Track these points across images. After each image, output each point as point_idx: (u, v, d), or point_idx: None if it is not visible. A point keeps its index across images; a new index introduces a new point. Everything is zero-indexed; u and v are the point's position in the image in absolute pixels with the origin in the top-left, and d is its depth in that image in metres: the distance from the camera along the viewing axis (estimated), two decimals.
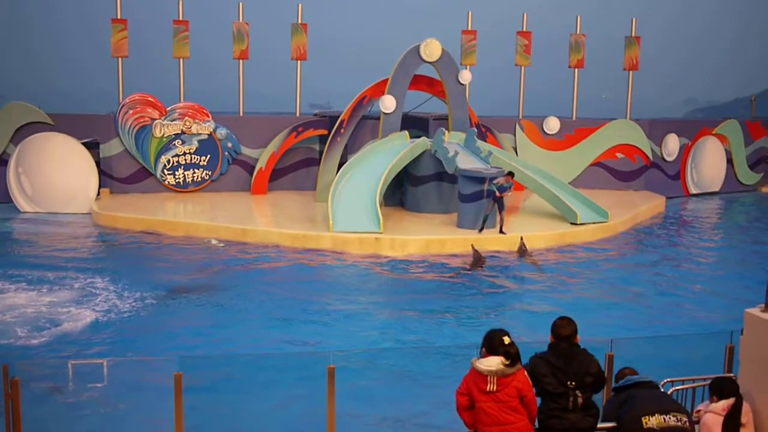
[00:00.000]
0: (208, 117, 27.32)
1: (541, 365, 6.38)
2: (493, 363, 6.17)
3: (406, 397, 11.62)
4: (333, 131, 26.76)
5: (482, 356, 6.31)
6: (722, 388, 6.89)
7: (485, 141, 27.03)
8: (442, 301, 16.60)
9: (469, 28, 29.53)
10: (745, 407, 6.88)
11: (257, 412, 10.93)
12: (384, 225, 21.11)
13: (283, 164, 28.15)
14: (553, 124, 30.20)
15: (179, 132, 26.92)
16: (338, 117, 27.01)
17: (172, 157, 26.96)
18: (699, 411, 7.04)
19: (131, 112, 26.51)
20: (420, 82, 27.22)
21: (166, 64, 28.21)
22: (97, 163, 25.96)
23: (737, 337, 7.53)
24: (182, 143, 26.99)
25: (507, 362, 6.16)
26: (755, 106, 37.02)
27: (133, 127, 26.52)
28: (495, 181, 21.32)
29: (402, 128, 26.00)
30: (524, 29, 30.25)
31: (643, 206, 27.04)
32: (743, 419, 6.83)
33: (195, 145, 27.14)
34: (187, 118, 26.93)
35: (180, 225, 22.53)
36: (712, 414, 6.79)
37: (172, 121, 26.80)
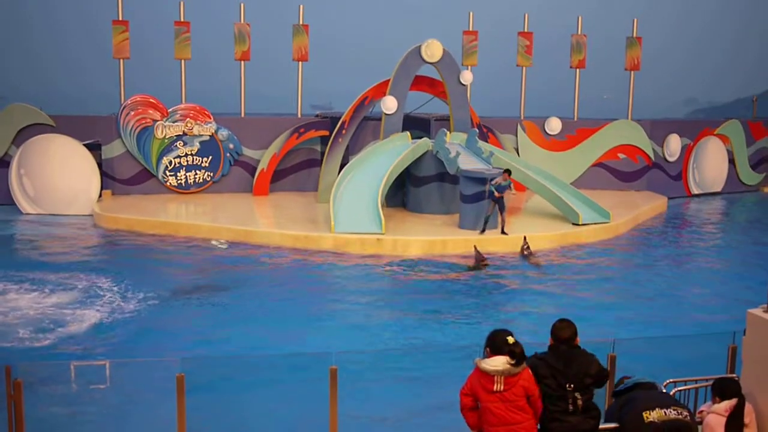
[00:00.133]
0: (210, 118, 27.34)
1: (540, 367, 6.37)
2: (499, 363, 6.16)
3: (408, 398, 11.61)
4: (334, 132, 26.76)
5: (486, 356, 6.30)
6: (724, 388, 6.88)
7: (487, 142, 27.02)
8: (444, 302, 16.60)
9: (471, 29, 29.52)
10: (748, 407, 6.87)
11: (259, 413, 10.94)
12: (386, 226, 21.11)
13: (284, 165, 28.16)
14: (554, 125, 30.19)
15: (181, 133, 26.93)
16: (340, 118, 27.01)
17: (174, 158, 26.98)
18: (702, 412, 7.03)
19: (133, 113, 26.52)
20: (421, 82, 27.22)
21: (168, 65, 28.22)
22: (99, 165, 25.97)
23: (740, 338, 7.52)
24: (184, 144, 27.00)
25: (513, 361, 6.16)
26: (757, 106, 36.98)
27: (135, 129, 26.54)
28: (493, 182, 21.30)
29: (403, 129, 26.01)
30: (525, 30, 30.24)
31: (644, 207, 27.03)
32: (746, 420, 6.82)
33: (197, 146, 27.16)
34: (188, 119, 26.94)
35: (182, 226, 22.55)
36: (715, 415, 6.77)
37: (173, 122, 26.81)
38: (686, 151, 31.98)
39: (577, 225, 22.75)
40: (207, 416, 10.10)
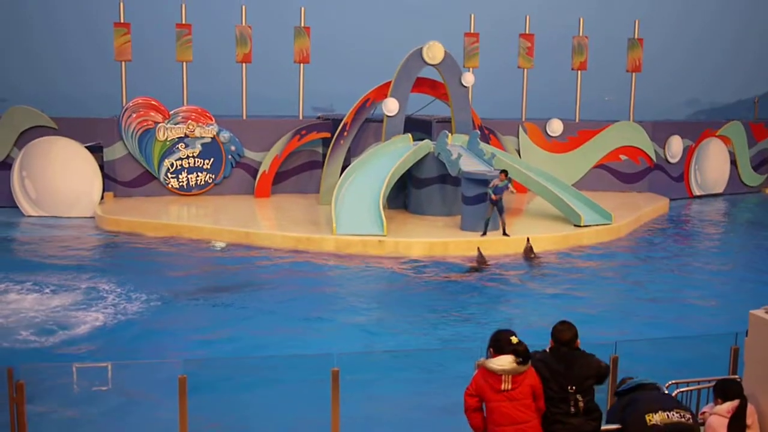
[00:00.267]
0: (212, 120, 27.35)
1: (541, 369, 6.37)
2: (506, 362, 6.17)
3: (410, 399, 11.61)
4: (336, 134, 26.78)
5: (490, 357, 6.30)
6: (726, 390, 6.88)
7: (488, 143, 27.03)
8: (446, 304, 16.61)
9: (472, 31, 29.53)
10: (750, 409, 6.87)
11: (261, 414, 10.95)
12: (387, 227, 21.11)
13: (286, 167, 28.17)
14: (556, 127, 30.18)
15: (182, 135, 26.95)
16: (341, 120, 27.02)
17: (176, 160, 26.99)
18: (704, 413, 7.03)
19: (134, 115, 26.55)
20: (423, 84, 27.22)
21: (169, 67, 28.25)
22: (101, 167, 25.98)
23: (742, 339, 7.52)
24: (185, 147, 27.02)
25: (519, 359, 6.17)
26: (758, 107, 36.96)
27: (137, 131, 26.56)
28: (490, 184, 21.25)
29: (405, 131, 26.01)
30: (527, 31, 30.24)
31: (646, 208, 27.02)
32: (748, 421, 6.82)
33: (198, 148, 27.18)
34: (190, 121, 26.96)
35: (184, 228, 22.57)
36: (717, 416, 6.78)
37: (175, 124, 26.83)
38: (688, 152, 31.97)
39: (579, 226, 22.74)
40: (209, 418, 10.10)
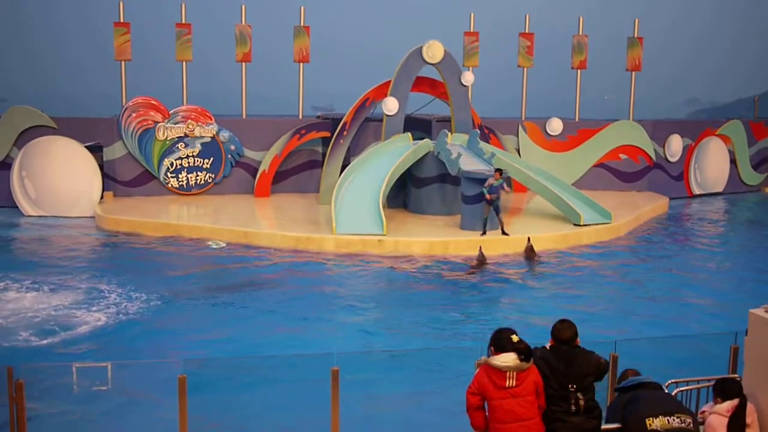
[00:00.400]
0: (211, 120, 27.36)
1: (542, 367, 6.38)
2: (510, 359, 6.19)
3: (410, 399, 11.62)
4: (336, 133, 26.78)
5: (491, 355, 6.32)
6: (726, 389, 6.88)
7: (488, 142, 27.04)
8: (446, 303, 16.61)
9: (472, 30, 29.53)
10: (750, 407, 6.88)
11: (261, 414, 10.95)
12: (387, 227, 21.12)
13: (286, 167, 28.18)
14: (555, 126, 30.18)
15: (182, 135, 26.96)
16: (341, 119, 27.03)
17: (176, 160, 27.00)
18: (704, 412, 7.04)
19: (134, 115, 26.55)
20: (422, 83, 27.23)
21: (169, 67, 28.26)
22: (101, 167, 25.99)
23: (741, 338, 7.53)
24: (185, 146, 27.02)
25: (521, 357, 6.18)
26: (758, 106, 36.96)
27: (136, 131, 26.57)
28: (485, 184, 21.24)
29: (405, 130, 26.02)
30: (526, 30, 30.24)
31: (646, 207, 27.03)
32: (748, 420, 6.83)
33: (198, 147, 27.18)
34: (190, 121, 26.97)
35: (183, 228, 22.57)
36: (717, 415, 6.78)
37: (175, 124, 26.84)
38: (687, 151, 31.97)
39: (579, 226, 22.74)
40: (209, 417, 10.10)
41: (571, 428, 6.34)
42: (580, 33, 30.57)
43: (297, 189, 28.40)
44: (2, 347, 13.25)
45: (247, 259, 20.00)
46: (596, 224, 23.07)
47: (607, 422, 6.47)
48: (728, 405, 6.78)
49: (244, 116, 28.60)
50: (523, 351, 6.21)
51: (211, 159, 27.39)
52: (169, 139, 26.84)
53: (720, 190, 33.10)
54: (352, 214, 21.55)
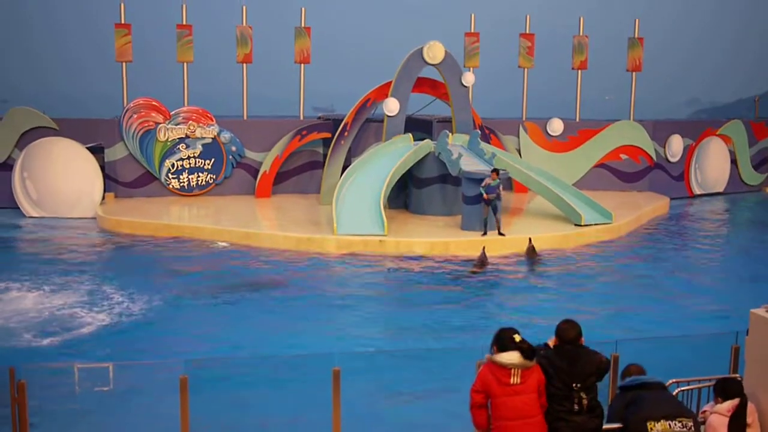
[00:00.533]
0: (212, 121, 27.37)
1: (546, 366, 6.40)
2: (514, 356, 6.21)
3: (411, 398, 11.63)
4: (337, 134, 26.80)
5: (494, 354, 6.34)
6: (726, 388, 6.89)
7: (489, 143, 27.05)
8: (447, 303, 16.62)
9: (472, 31, 29.54)
10: (751, 407, 6.88)
11: (262, 414, 10.96)
12: (388, 227, 21.13)
13: (287, 167, 28.19)
14: (556, 126, 30.19)
15: (183, 136, 26.97)
16: (342, 120, 27.04)
17: (177, 161, 27.02)
18: (705, 412, 7.04)
19: (135, 116, 26.57)
20: (423, 84, 27.24)
21: (170, 68, 28.28)
22: (102, 168, 26.01)
23: (742, 338, 7.53)
24: (186, 147, 27.04)
25: (525, 355, 6.21)
26: (759, 106, 36.96)
27: (138, 132, 26.59)
28: (482, 183, 21.29)
29: (405, 131, 26.03)
30: (527, 31, 30.24)
31: (647, 207, 27.03)
32: (749, 419, 6.83)
33: (199, 148, 27.20)
34: (191, 122, 26.98)
35: (184, 229, 22.58)
36: (718, 415, 6.79)
37: (176, 125, 26.86)
38: (688, 151, 31.97)
39: (580, 226, 22.75)
40: (210, 417, 10.11)
41: (574, 427, 6.35)
42: (581, 33, 30.58)
43: (298, 190, 28.41)
44: (4, 348, 13.27)
45: (249, 260, 20.01)
46: (597, 224, 23.07)
47: (608, 421, 6.48)
48: (729, 405, 6.79)
49: (245, 117, 28.61)
50: (526, 350, 6.23)
51: (213, 160, 27.40)
52: (170, 140, 26.85)
53: (721, 190, 33.10)
54: (353, 215, 21.57)
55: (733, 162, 33.31)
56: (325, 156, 27.56)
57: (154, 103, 26.86)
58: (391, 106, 25.85)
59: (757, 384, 7.10)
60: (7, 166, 25.87)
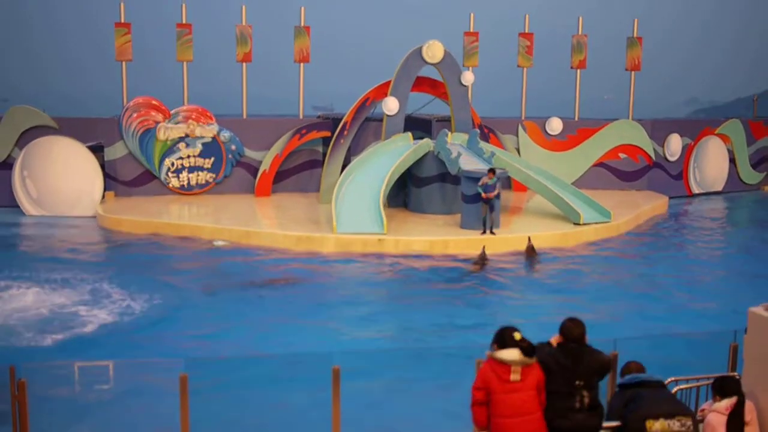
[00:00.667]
0: (212, 120, 27.39)
1: (550, 363, 6.43)
2: (514, 354, 6.25)
3: (411, 397, 11.65)
4: (336, 133, 26.82)
5: (494, 351, 6.38)
6: (724, 387, 6.91)
7: (488, 142, 27.08)
8: (446, 302, 16.63)
9: (471, 30, 29.56)
10: (749, 405, 6.90)
11: (262, 413, 10.98)
12: (387, 226, 21.16)
13: (286, 166, 28.21)
14: (555, 125, 30.22)
15: (183, 135, 26.98)
16: (341, 119, 27.07)
17: (176, 159, 27.03)
18: (703, 410, 7.06)
19: (135, 115, 26.58)
20: (423, 83, 27.26)
21: (170, 67, 28.29)
22: (102, 167, 26.03)
23: (741, 336, 7.55)
24: (186, 146, 27.05)
25: (525, 353, 6.25)
26: (757, 105, 37.00)
27: (137, 131, 26.60)
28: (479, 183, 21.35)
29: (405, 130, 26.06)
30: (526, 30, 30.27)
31: (645, 206, 27.06)
32: (747, 417, 6.85)
33: (199, 147, 27.21)
34: (190, 121, 26.99)
35: (184, 227, 22.60)
36: (716, 413, 6.81)
37: (176, 124, 26.87)
38: (687, 150, 32.01)
39: (579, 225, 22.78)
40: (210, 416, 10.13)
41: (575, 425, 6.37)
42: (580, 33, 30.60)
43: (298, 188, 28.43)
44: (4, 346, 13.28)
45: (248, 259, 20.02)
46: (596, 223, 23.10)
47: (607, 419, 6.51)
48: (726, 403, 6.80)
49: (244, 116, 28.64)
50: (526, 348, 6.27)
51: (212, 159, 27.42)
52: (170, 139, 26.86)
53: (719, 189, 33.14)
54: (352, 214, 21.59)
55: (732, 161, 33.36)
56: (324, 155, 27.58)
57: (153, 102, 26.87)
58: (391, 105, 25.87)
59: (755, 382, 7.13)
60: (7, 165, 25.89)
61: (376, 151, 24.97)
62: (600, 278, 18.94)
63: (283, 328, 14.77)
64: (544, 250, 20.94)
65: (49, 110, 26.95)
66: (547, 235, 21.86)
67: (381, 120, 26.68)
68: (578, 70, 30.86)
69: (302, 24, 28.21)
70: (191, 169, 27.27)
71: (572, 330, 6.52)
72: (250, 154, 27.96)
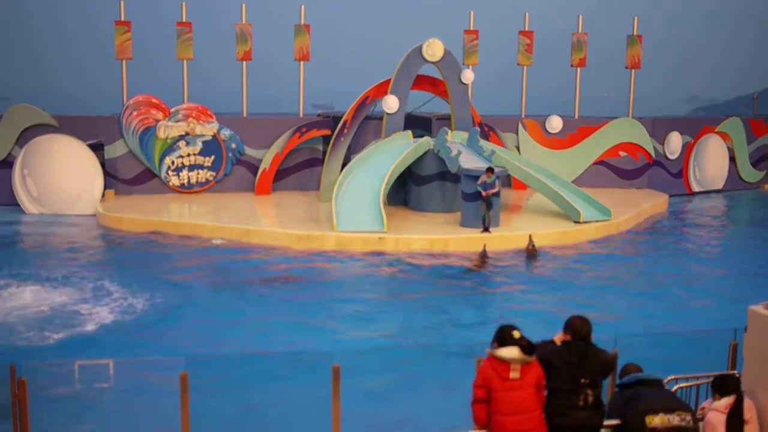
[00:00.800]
0: (212, 118, 27.39)
1: (554, 359, 6.43)
2: (513, 351, 6.27)
3: (411, 396, 11.65)
4: (336, 131, 26.81)
5: (494, 349, 6.40)
6: (723, 385, 6.91)
7: (488, 140, 27.08)
8: (447, 300, 16.64)
9: (471, 28, 29.55)
10: (748, 404, 6.90)
11: (262, 411, 10.99)
12: (388, 224, 21.16)
13: (286, 165, 28.21)
14: (555, 123, 30.22)
15: (183, 133, 26.98)
16: (341, 117, 27.07)
17: (177, 158, 27.03)
18: (703, 408, 7.06)
19: (135, 113, 26.58)
20: (423, 82, 27.26)
21: (170, 65, 28.29)
22: (102, 165, 26.04)
23: (741, 335, 7.56)
24: (186, 144, 27.05)
25: (524, 351, 6.26)
26: (757, 103, 37.00)
27: (138, 129, 26.60)
28: (478, 181, 21.37)
29: (405, 128, 26.07)
30: (526, 29, 30.27)
31: (645, 204, 27.07)
32: (746, 416, 6.85)
33: (199, 146, 27.21)
34: (191, 119, 26.99)
35: (184, 226, 22.59)
36: (715, 412, 6.81)
37: (176, 122, 26.87)
38: (687, 148, 32.01)
39: (579, 223, 22.79)
40: (211, 414, 10.14)
41: (578, 423, 6.37)
42: (580, 31, 30.59)
43: (298, 187, 28.44)
44: (4, 344, 13.29)
45: (248, 257, 20.03)
46: (596, 221, 23.10)
47: (608, 419, 6.52)
48: (726, 401, 6.80)
49: (244, 114, 28.64)
50: (525, 346, 6.28)
51: (212, 157, 27.42)
52: (170, 137, 26.86)
53: (719, 187, 33.15)
54: (352, 212, 21.60)
55: (732, 159, 33.36)
56: (324, 153, 27.58)
57: (153, 100, 26.87)
58: (391, 103, 25.88)
59: (755, 381, 7.12)
60: (8, 164, 25.90)
61: (376, 150, 24.98)
62: (600, 276, 18.94)
63: (284, 327, 14.78)
64: (544, 248, 20.95)
65: (50, 109, 26.95)
66: (547, 233, 21.86)
67: (381, 118, 26.68)
68: (578, 69, 30.85)
69: (302, 22, 28.20)
70: (191, 168, 27.27)
71: (581, 328, 6.54)
72: (250, 152, 27.96)
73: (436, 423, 10.53)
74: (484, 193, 21.23)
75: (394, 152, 24.03)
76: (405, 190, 25.46)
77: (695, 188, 32.54)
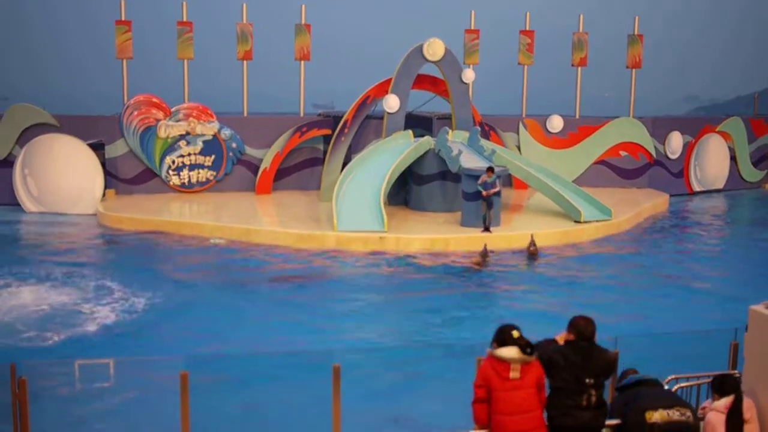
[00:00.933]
0: (213, 118, 27.39)
1: (558, 359, 6.42)
2: (513, 351, 6.26)
3: (411, 395, 11.65)
4: (337, 131, 26.81)
5: (494, 349, 6.39)
6: (723, 385, 6.90)
7: (488, 140, 27.07)
8: (447, 299, 16.64)
9: (472, 28, 29.55)
10: (748, 403, 6.89)
11: (263, 410, 10.99)
12: (388, 224, 21.16)
13: (287, 164, 28.21)
14: (556, 123, 30.20)
15: (184, 133, 26.98)
16: (342, 117, 27.07)
17: (177, 157, 27.03)
18: (704, 408, 7.06)
19: (136, 113, 26.58)
20: (423, 81, 27.26)
21: (170, 65, 28.29)
22: (103, 164, 26.04)
23: (741, 334, 7.55)
24: (187, 144, 27.05)
25: (524, 351, 6.25)
26: (758, 103, 36.98)
27: (138, 128, 26.60)
28: (479, 181, 21.38)
29: (405, 127, 26.07)
30: (527, 28, 30.26)
31: (646, 204, 27.06)
32: (746, 415, 6.84)
33: (200, 145, 27.21)
34: (191, 118, 26.99)
35: (185, 225, 22.60)
36: (715, 412, 6.80)
37: (176, 121, 26.87)
38: (688, 148, 31.99)
39: (579, 222, 22.79)
40: (211, 413, 10.14)
41: (580, 422, 6.37)
42: (581, 30, 30.58)
43: (298, 186, 28.44)
44: (4, 344, 13.29)
45: (249, 256, 20.03)
46: (597, 221, 23.10)
47: (609, 419, 6.52)
48: (725, 401, 6.80)
49: (245, 114, 28.64)
50: (524, 346, 6.28)
51: (213, 157, 27.42)
52: (170, 137, 26.86)
53: (720, 187, 33.13)
54: (353, 212, 21.59)
55: (733, 159, 33.35)
56: (325, 153, 27.58)
57: (154, 99, 26.87)
58: (391, 102, 25.88)
59: (756, 380, 7.11)
60: (8, 163, 25.91)
61: (376, 149, 24.98)
62: (600, 276, 18.93)
63: (284, 326, 14.79)
64: (545, 248, 20.94)
65: (50, 108, 26.95)
66: (548, 232, 21.85)
67: (382, 118, 26.68)
68: (579, 68, 30.84)
69: (303, 22, 28.20)
70: (192, 167, 27.27)
71: (585, 328, 6.53)
72: (250, 152, 27.96)
73: (436, 423, 10.53)
74: (484, 193, 21.24)
75: (395, 152, 24.02)
76: (405, 190, 25.45)
77: (696, 188, 32.53)
